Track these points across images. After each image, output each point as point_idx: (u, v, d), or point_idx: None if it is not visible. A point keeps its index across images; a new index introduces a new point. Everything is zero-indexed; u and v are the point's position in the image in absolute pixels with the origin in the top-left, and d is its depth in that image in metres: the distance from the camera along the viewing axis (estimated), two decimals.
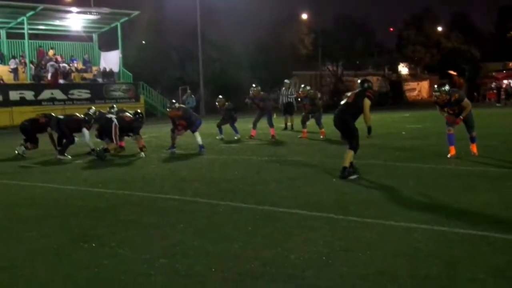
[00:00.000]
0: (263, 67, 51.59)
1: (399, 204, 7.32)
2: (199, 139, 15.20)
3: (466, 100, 11.81)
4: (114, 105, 19.81)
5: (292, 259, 5.18)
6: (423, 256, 5.11)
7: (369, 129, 10.11)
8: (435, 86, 12.20)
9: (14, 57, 38.54)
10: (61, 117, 15.66)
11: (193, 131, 15.28)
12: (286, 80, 24.22)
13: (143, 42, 50.73)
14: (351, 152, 9.83)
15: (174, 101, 17.37)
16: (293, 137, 18.82)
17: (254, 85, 19.13)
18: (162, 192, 8.98)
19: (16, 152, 15.74)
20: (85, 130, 15.33)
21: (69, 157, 14.88)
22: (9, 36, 40.55)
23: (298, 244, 5.66)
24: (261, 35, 54.13)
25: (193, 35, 44.13)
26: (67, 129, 15.15)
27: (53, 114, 16.37)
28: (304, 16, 61.92)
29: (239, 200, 7.96)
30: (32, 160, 14.80)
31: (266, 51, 52.70)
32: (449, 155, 11.75)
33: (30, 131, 15.89)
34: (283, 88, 23.21)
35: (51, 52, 40.53)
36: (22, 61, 38.25)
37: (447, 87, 11.76)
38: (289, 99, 22.54)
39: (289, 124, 22.17)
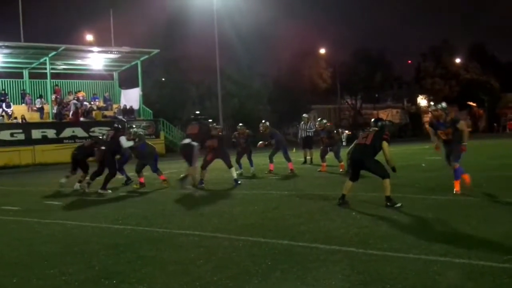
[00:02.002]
0: (282, 101, 51.87)
1: (419, 236, 7.28)
2: (234, 174, 15.59)
3: (462, 122, 11.18)
4: None
5: None
6: None
7: (393, 169, 10.25)
8: (431, 103, 11.94)
9: (41, 97, 39.16)
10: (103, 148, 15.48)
11: (230, 166, 15.52)
12: (304, 115, 24.37)
13: (163, 79, 51.29)
14: (387, 181, 10.00)
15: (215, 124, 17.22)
16: (313, 170, 18.84)
17: (263, 121, 19.25)
18: (182, 227, 9.01)
19: (62, 187, 16.15)
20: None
21: (110, 191, 15.00)
22: (32, 76, 41.31)
23: (318, 278, 5.66)
24: (280, 70, 54.52)
25: (212, 71, 44.55)
26: (111, 157, 15.28)
27: (100, 137, 16.78)
28: (323, 50, 62.32)
29: (259, 235, 7.97)
30: (55, 195, 14.93)
31: (285, 85, 53.01)
32: (466, 183, 11.34)
33: (81, 158, 16.17)
34: (302, 123, 23.34)
35: (81, 93, 41.27)
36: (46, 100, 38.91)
37: (444, 104, 11.58)
38: (307, 133, 22.66)
39: (308, 157, 22.22)
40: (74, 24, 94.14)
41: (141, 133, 16.97)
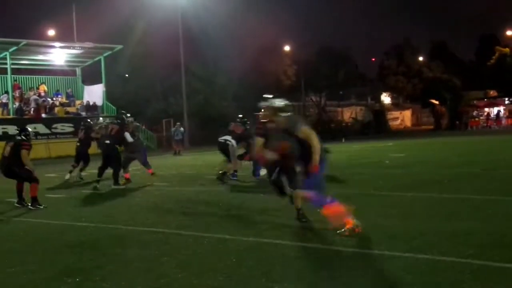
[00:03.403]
0: (247, 97, 51.89)
1: (382, 233, 7.34)
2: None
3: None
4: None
5: None
6: (406, 284, 5.15)
7: None
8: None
9: (6, 92, 38.17)
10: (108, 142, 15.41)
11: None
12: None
13: (126, 75, 50.83)
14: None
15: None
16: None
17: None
18: (146, 225, 8.95)
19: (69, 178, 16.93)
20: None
21: (122, 186, 15.00)
22: None
23: (283, 275, 5.67)
24: (245, 66, 54.54)
25: (177, 67, 44.30)
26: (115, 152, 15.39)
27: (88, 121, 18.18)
28: (287, 47, 62.52)
29: (224, 232, 7.94)
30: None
31: (250, 82, 53.00)
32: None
33: (82, 151, 17.20)
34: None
35: (42, 88, 40.57)
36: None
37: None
38: None
39: None
40: (36, 19, 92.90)
41: (138, 124, 16.81)
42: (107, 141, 15.19)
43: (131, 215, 10.23)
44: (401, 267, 5.68)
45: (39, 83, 41.51)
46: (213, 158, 19.04)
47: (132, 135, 15.62)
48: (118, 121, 15.71)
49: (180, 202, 11.72)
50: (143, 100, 48.65)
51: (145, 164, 15.97)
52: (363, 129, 54.77)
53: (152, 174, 15.83)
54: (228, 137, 15.47)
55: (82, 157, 17.52)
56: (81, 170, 17.53)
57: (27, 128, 12.42)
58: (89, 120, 18.17)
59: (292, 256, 6.42)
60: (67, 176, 17.21)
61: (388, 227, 7.75)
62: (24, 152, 11.74)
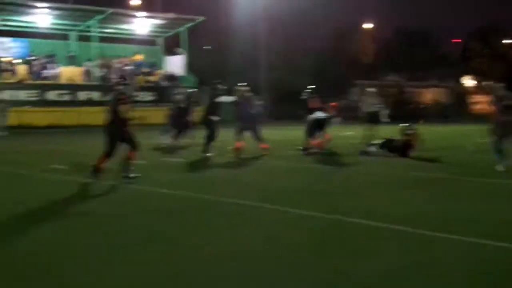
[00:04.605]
0: (323, 75, 51.46)
1: (467, 219, 7.20)
2: None
3: None
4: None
5: (365, 270, 5.19)
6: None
7: None
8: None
9: (89, 59, 39.23)
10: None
11: None
12: (370, 89, 22.47)
13: (208, 47, 51.27)
14: None
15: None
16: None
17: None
18: (233, 196, 8.99)
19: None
20: None
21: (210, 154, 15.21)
22: (79, 38, 41.50)
23: (369, 255, 5.67)
24: (323, 44, 54.11)
25: (256, 41, 44.37)
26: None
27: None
28: (367, 25, 61.45)
29: (308, 208, 7.96)
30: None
31: (327, 59, 52.55)
32: None
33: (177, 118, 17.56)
34: (365, 97, 21.43)
35: (138, 57, 41.71)
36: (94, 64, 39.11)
37: None
38: (373, 108, 20.53)
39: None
40: None
41: (250, 93, 16.50)
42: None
43: (212, 185, 10.37)
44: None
45: (122, 53, 42.34)
46: (292, 134, 18.91)
47: (244, 105, 15.73)
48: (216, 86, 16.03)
49: (264, 175, 11.81)
50: (223, 73, 48.96)
51: (258, 138, 15.79)
52: (444, 112, 53.40)
53: (264, 149, 15.58)
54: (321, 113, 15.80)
55: (181, 125, 17.72)
56: (176, 138, 17.69)
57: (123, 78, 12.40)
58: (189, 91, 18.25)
59: (378, 237, 6.41)
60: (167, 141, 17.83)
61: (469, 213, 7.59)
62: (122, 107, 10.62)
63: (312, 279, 4.93)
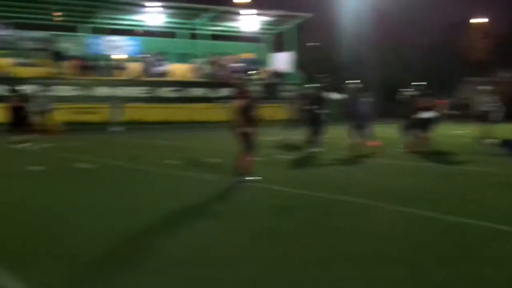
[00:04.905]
0: (432, 71, 50.15)
1: None
2: None
3: None
4: None
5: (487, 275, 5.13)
6: None
7: None
8: None
9: (200, 57, 40.14)
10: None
11: None
12: (485, 87, 21.80)
13: (316, 44, 51.22)
14: None
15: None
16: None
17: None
18: (350, 194, 9.07)
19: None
20: None
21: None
22: (190, 36, 42.55)
23: (496, 260, 5.58)
24: (432, 40, 52.72)
25: (364, 37, 43.92)
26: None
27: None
28: (478, 20, 59.11)
29: (422, 208, 7.87)
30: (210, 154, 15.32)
31: (437, 55, 51.20)
32: None
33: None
34: (481, 95, 20.87)
35: (247, 54, 42.51)
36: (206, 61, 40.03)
37: None
38: (487, 107, 19.61)
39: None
40: None
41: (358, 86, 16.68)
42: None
43: (327, 184, 10.44)
44: None
45: (230, 50, 43.01)
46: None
47: (356, 102, 15.56)
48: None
49: (377, 173, 11.88)
50: (331, 69, 48.75)
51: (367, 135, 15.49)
52: None
53: (375, 147, 15.31)
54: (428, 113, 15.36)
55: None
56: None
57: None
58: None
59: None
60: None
61: None
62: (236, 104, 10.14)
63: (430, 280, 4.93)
